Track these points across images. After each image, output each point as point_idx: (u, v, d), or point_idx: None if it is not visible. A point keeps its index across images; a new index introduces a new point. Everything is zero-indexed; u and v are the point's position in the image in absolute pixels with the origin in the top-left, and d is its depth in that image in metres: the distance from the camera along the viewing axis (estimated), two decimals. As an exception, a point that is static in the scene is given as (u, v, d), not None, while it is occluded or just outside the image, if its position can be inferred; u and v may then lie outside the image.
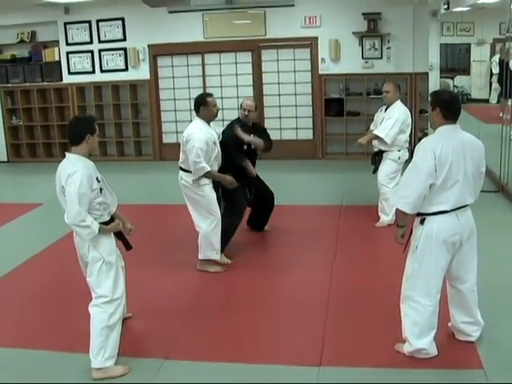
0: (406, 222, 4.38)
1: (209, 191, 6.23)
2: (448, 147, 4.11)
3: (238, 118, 7.06)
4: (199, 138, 6.12)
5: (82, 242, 4.36)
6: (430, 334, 4.34)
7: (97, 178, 4.36)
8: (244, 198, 6.84)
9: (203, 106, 6.34)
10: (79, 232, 4.24)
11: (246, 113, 6.94)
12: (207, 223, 6.26)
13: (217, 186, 6.34)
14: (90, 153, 4.45)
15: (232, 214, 6.66)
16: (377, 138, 7.50)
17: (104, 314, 4.31)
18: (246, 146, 6.84)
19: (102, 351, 4.29)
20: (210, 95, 6.52)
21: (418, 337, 4.32)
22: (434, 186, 4.13)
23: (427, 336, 4.33)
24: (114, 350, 4.37)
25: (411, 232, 4.39)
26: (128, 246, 4.80)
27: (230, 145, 6.65)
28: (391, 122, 7.47)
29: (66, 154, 4.42)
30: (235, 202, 6.70)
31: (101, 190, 4.37)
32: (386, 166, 7.54)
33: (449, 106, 4.25)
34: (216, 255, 6.32)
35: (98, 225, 4.27)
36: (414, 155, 4.27)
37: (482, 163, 4.38)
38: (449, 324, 4.65)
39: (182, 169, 6.36)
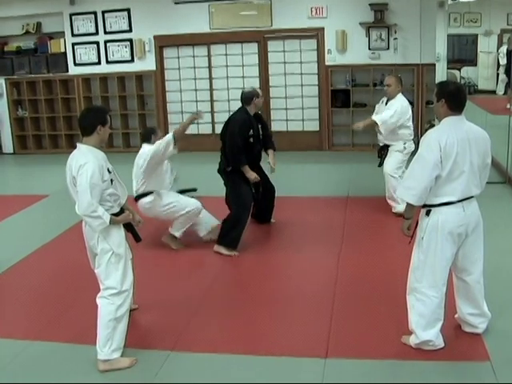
0: (412, 214, 4.37)
1: None
2: (453, 138, 4.10)
3: (244, 108, 6.98)
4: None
5: (91, 233, 4.35)
6: (437, 325, 4.33)
7: (108, 169, 4.36)
8: (250, 191, 6.84)
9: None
10: (90, 223, 4.23)
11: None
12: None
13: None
14: (101, 144, 4.44)
15: (238, 207, 6.67)
16: (375, 124, 7.54)
17: (111, 305, 4.31)
18: (251, 139, 6.85)
19: (109, 343, 4.30)
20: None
21: (424, 328, 4.31)
22: (439, 178, 4.13)
23: (434, 328, 4.32)
24: (121, 341, 4.37)
25: (417, 224, 4.38)
26: (137, 238, 4.80)
27: (236, 141, 6.75)
28: (390, 112, 7.49)
29: (78, 144, 4.41)
30: (241, 195, 6.72)
31: (111, 181, 4.37)
32: (393, 158, 7.54)
33: (454, 97, 4.22)
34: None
35: (109, 216, 4.27)
36: (419, 147, 4.26)
37: (488, 154, 4.36)
38: (455, 316, 4.64)
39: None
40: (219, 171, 7.10)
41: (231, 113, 11.88)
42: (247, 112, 6.88)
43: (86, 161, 4.20)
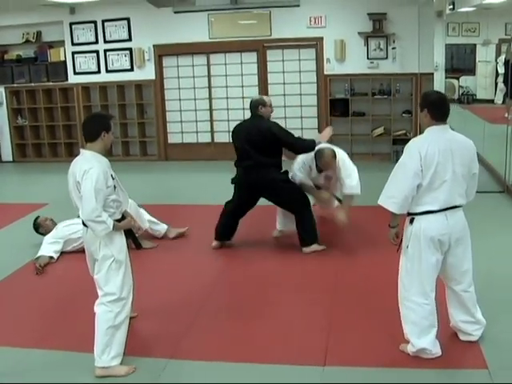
0: (396, 222, 4.41)
1: None
2: (434, 148, 4.14)
3: (260, 116, 6.79)
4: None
5: (93, 239, 4.37)
6: (431, 332, 4.34)
7: (111, 175, 4.38)
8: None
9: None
10: (94, 228, 4.24)
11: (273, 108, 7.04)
12: None
13: None
14: (104, 150, 4.46)
15: (303, 206, 6.86)
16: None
17: (110, 313, 4.32)
18: None
19: (108, 350, 4.30)
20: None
21: (418, 336, 4.32)
22: (420, 187, 4.16)
23: (428, 334, 4.33)
24: (120, 349, 4.37)
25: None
26: (138, 245, 4.82)
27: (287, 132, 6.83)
28: (353, 174, 7.10)
29: (81, 150, 4.43)
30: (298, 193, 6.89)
31: (114, 187, 4.39)
32: None
33: (436, 107, 4.27)
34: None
35: (113, 221, 4.29)
36: (402, 155, 4.29)
37: (474, 164, 4.39)
38: (450, 325, 4.66)
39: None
40: (255, 185, 6.81)
41: (230, 122, 11.99)
42: (262, 118, 6.79)
43: (90, 166, 4.22)
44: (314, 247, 6.77)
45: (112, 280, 4.36)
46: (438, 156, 4.12)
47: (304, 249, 6.76)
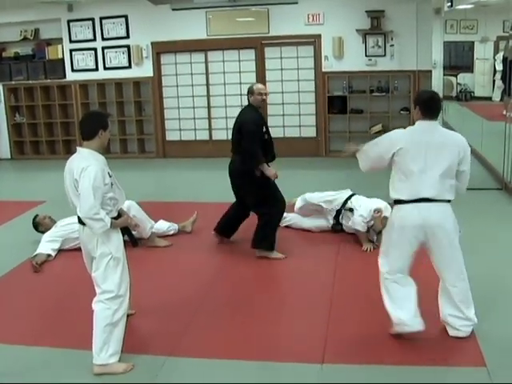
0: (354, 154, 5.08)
1: None
2: (412, 140, 4.46)
3: (250, 105, 6.68)
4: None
5: (90, 236, 4.36)
6: (409, 305, 4.49)
7: (108, 173, 4.37)
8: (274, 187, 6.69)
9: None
10: (92, 225, 4.23)
11: (264, 97, 6.68)
12: None
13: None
14: (101, 148, 4.45)
15: (270, 208, 6.58)
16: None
17: (108, 310, 4.31)
18: (266, 136, 6.60)
19: (106, 347, 4.30)
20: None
21: (396, 310, 4.53)
22: (396, 174, 4.51)
23: (406, 308, 4.49)
24: (118, 346, 4.37)
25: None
26: (134, 242, 4.82)
27: (251, 137, 6.45)
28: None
29: (78, 148, 4.42)
30: (269, 195, 6.61)
31: (111, 185, 4.39)
32: None
33: (427, 105, 4.53)
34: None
35: (110, 219, 4.29)
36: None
37: (465, 161, 4.57)
38: (440, 319, 4.69)
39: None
40: (231, 173, 6.74)
41: (228, 119, 12.00)
42: (254, 109, 6.65)
43: (88, 164, 4.22)
44: (267, 253, 6.56)
45: (110, 277, 4.35)
46: (413, 148, 4.40)
47: (257, 251, 6.60)
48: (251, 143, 6.37)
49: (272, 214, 6.57)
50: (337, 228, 7.17)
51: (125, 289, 4.44)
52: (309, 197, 7.50)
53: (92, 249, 4.38)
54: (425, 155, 4.36)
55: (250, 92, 6.64)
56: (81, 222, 4.37)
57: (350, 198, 7.15)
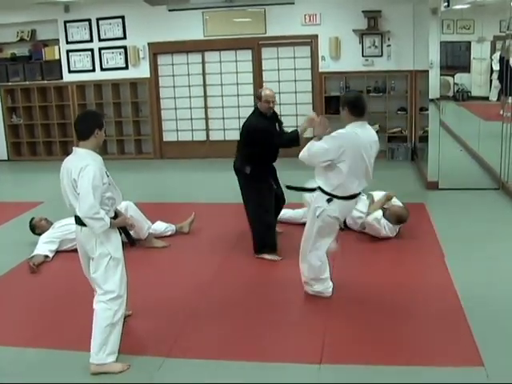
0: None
1: None
2: (352, 140, 4.95)
3: (257, 110, 6.56)
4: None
5: (88, 237, 4.35)
6: (326, 280, 5.45)
7: (106, 173, 4.37)
8: (270, 193, 6.64)
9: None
10: (92, 225, 4.22)
11: (271, 105, 6.48)
12: None
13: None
14: (97, 147, 4.45)
15: (261, 213, 6.56)
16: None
17: (109, 311, 4.32)
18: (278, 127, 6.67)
19: (104, 347, 4.30)
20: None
21: (316, 282, 5.45)
22: (339, 173, 4.98)
23: (325, 281, 5.45)
24: (115, 345, 4.38)
25: None
26: (132, 242, 4.81)
27: (265, 134, 6.42)
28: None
29: (74, 148, 4.42)
30: (263, 197, 6.56)
31: (109, 184, 4.39)
32: None
33: (353, 105, 5.02)
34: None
35: (109, 219, 4.29)
36: (330, 136, 5.06)
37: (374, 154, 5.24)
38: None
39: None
40: (235, 169, 6.69)
41: (225, 120, 12.03)
42: (260, 114, 6.51)
43: (86, 163, 4.22)
44: (265, 255, 6.56)
45: (111, 278, 4.36)
46: (355, 149, 4.94)
47: (257, 254, 6.61)
48: (275, 141, 6.52)
49: (260, 222, 6.56)
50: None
51: (124, 289, 4.45)
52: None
53: (90, 249, 4.37)
54: (366, 153, 5.00)
55: (258, 98, 6.52)
56: (78, 222, 4.36)
57: None
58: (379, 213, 7.02)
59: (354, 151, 4.93)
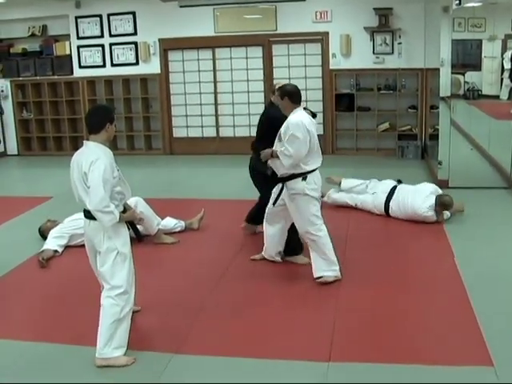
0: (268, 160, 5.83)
1: None
2: (307, 121, 5.58)
3: (272, 103, 6.55)
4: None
5: (95, 231, 4.36)
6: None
7: (116, 167, 4.38)
8: None
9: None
10: (102, 218, 4.22)
11: None
12: None
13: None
14: (107, 141, 4.47)
15: None
16: None
17: (117, 307, 4.32)
18: None
19: (110, 342, 4.32)
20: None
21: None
22: (310, 151, 5.57)
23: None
24: (123, 340, 4.39)
25: None
26: (140, 237, 4.82)
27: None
28: None
29: (85, 141, 4.43)
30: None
31: (119, 179, 4.40)
32: None
33: (292, 94, 5.72)
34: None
35: (119, 212, 4.29)
36: (292, 131, 5.48)
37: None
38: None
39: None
40: (252, 169, 6.69)
41: (235, 116, 12.03)
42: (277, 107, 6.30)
43: (97, 157, 4.23)
44: (297, 259, 6.37)
45: (118, 273, 4.36)
46: (311, 128, 5.58)
47: (288, 257, 6.39)
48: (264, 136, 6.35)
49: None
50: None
51: (131, 285, 4.46)
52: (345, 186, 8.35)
53: (98, 243, 4.38)
54: (314, 131, 5.64)
55: (273, 92, 6.57)
56: (87, 215, 4.37)
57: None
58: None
59: (311, 130, 5.56)
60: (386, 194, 7.73)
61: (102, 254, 4.38)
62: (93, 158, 4.23)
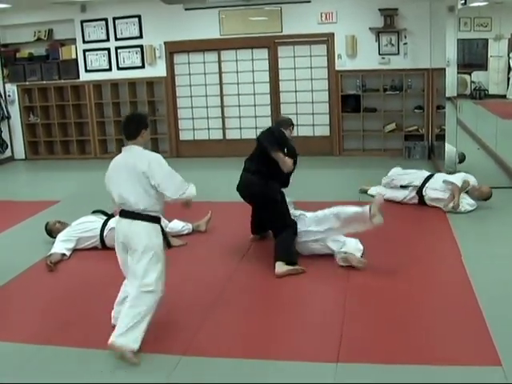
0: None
1: None
2: None
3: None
4: None
5: (138, 230, 4.53)
6: None
7: None
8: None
9: None
10: (189, 193, 4.78)
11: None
12: None
13: None
14: (143, 145, 4.70)
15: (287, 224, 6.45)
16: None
17: (142, 300, 4.45)
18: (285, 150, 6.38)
19: (126, 333, 4.37)
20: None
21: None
22: None
23: None
24: (139, 336, 4.44)
25: None
26: (168, 243, 4.97)
27: (269, 136, 6.41)
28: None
29: (128, 146, 4.69)
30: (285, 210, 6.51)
31: None
32: None
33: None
34: None
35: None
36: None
37: None
38: None
39: None
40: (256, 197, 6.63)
41: (242, 118, 12.05)
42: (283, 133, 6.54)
43: (151, 155, 4.62)
44: (287, 267, 6.13)
45: (151, 272, 4.50)
46: None
47: (278, 264, 6.13)
48: (269, 148, 6.34)
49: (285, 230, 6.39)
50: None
51: (161, 287, 4.60)
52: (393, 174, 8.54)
53: (137, 242, 4.52)
54: None
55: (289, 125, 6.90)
56: (127, 215, 4.57)
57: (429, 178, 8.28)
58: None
59: None
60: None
61: (139, 252, 4.51)
62: (148, 157, 4.57)
